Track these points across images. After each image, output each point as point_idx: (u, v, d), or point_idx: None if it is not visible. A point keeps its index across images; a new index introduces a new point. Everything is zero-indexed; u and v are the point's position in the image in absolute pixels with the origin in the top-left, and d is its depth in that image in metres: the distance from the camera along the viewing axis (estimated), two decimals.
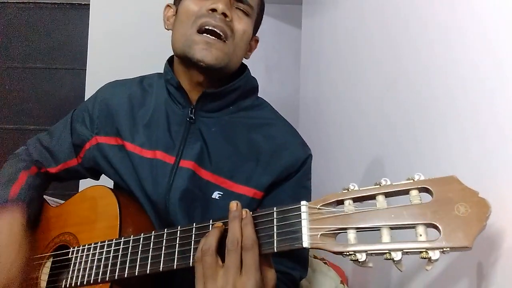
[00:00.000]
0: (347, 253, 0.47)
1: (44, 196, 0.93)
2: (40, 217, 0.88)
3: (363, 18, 1.35)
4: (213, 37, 0.76)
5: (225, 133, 0.82)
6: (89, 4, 2.23)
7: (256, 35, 0.91)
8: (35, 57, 2.37)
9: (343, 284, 1.22)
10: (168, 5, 0.88)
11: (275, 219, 0.54)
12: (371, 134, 1.23)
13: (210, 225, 0.60)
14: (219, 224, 0.58)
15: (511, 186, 0.61)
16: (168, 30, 0.86)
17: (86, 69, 2.22)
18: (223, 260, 0.55)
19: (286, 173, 0.80)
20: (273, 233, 0.54)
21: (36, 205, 0.86)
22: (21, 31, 2.37)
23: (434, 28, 0.87)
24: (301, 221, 0.52)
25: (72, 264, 0.75)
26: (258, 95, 0.92)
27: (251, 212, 0.56)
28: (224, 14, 0.76)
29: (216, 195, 0.78)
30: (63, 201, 0.89)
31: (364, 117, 1.29)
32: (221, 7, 0.76)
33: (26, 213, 0.81)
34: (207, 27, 0.76)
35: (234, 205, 0.57)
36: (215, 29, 0.75)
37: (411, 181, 0.48)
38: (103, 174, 0.92)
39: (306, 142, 0.86)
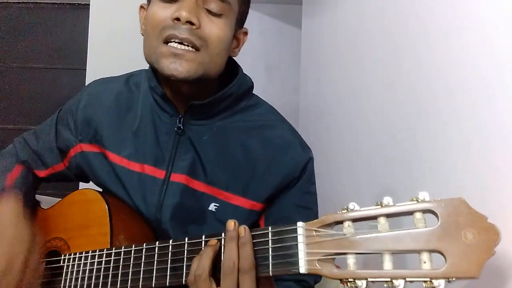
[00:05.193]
0: (347, 280, 0.45)
1: (42, 196, 0.92)
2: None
3: (363, 18, 1.35)
4: (182, 46, 0.67)
5: (219, 140, 0.76)
6: (89, 4, 2.23)
7: (244, 26, 0.80)
8: (35, 57, 2.37)
9: (343, 284, 1.21)
10: (141, 6, 0.78)
11: (270, 240, 0.52)
12: (371, 134, 1.23)
13: (203, 242, 0.57)
14: (213, 242, 0.55)
15: (509, 180, 0.61)
16: (142, 35, 0.75)
17: (86, 69, 2.22)
18: (217, 281, 0.53)
19: (287, 181, 0.75)
20: (268, 256, 0.51)
21: (32, 197, 0.84)
22: (21, 31, 2.36)
23: (434, 28, 0.87)
24: (297, 244, 0.49)
25: (64, 273, 0.73)
26: (255, 93, 0.84)
27: (249, 230, 0.53)
28: (190, 23, 0.66)
29: (212, 207, 0.74)
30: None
31: (364, 117, 1.29)
32: (185, 14, 0.66)
33: (24, 202, 0.75)
34: (172, 40, 0.67)
35: (231, 224, 0.53)
36: (182, 42, 0.67)
37: (415, 202, 0.45)
38: None
39: (306, 143, 0.81)
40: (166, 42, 0.68)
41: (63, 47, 2.38)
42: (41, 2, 2.36)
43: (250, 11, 0.82)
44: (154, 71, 0.76)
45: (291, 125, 0.82)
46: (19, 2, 2.36)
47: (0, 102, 2.34)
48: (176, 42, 0.67)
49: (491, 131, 0.66)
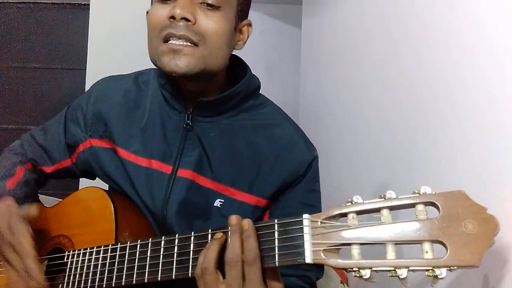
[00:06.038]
0: (351, 269, 0.46)
1: (42, 196, 0.92)
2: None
3: (363, 18, 1.35)
4: (180, 42, 0.68)
5: (225, 137, 0.78)
6: (89, 4, 2.23)
7: (248, 18, 0.80)
8: (35, 57, 2.37)
9: (343, 284, 1.22)
10: (148, 12, 0.78)
11: (276, 232, 0.53)
12: (371, 134, 1.23)
13: (210, 234, 0.58)
14: (219, 235, 0.56)
15: (510, 181, 0.61)
16: None
17: (86, 69, 2.22)
18: (224, 275, 0.54)
19: (292, 179, 0.76)
20: (275, 247, 0.52)
21: (31, 201, 0.84)
22: (21, 31, 2.36)
23: (434, 28, 0.87)
24: (303, 235, 0.50)
25: (67, 269, 0.73)
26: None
27: (253, 223, 0.54)
28: (185, 19, 0.68)
29: (217, 203, 0.75)
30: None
31: (364, 117, 1.29)
32: (179, 12, 0.67)
33: (21, 205, 0.76)
34: (170, 38, 0.69)
35: (233, 219, 0.55)
36: (180, 40, 0.68)
37: (417, 194, 0.46)
38: None
39: (310, 142, 0.82)
40: (166, 41, 0.69)
41: (63, 47, 2.38)
42: (41, 2, 2.36)
43: (250, 11, 0.82)
44: None
45: (297, 124, 0.83)
46: (18, 2, 2.36)
47: (0, 102, 2.34)
48: (174, 40, 0.68)
49: (491, 131, 0.66)
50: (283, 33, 2.74)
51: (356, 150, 1.35)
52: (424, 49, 0.91)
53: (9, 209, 0.73)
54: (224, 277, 0.54)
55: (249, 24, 0.81)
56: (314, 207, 0.79)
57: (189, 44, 0.69)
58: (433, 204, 0.45)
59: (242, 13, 0.77)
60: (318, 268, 0.79)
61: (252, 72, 0.83)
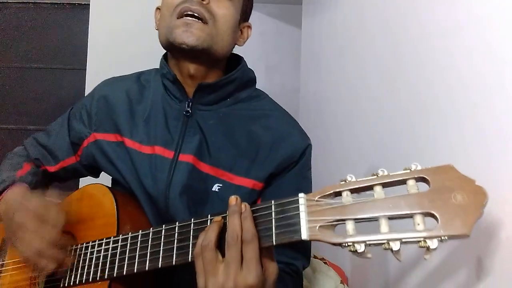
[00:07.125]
0: (346, 244, 0.47)
1: None
2: None
3: (363, 18, 1.35)
4: (192, 18, 0.76)
5: (223, 125, 0.82)
6: (89, 4, 2.23)
7: (249, 21, 0.90)
8: (35, 57, 2.37)
9: (343, 284, 1.22)
10: (157, 8, 0.89)
11: (273, 212, 0.54)
12: (371, 133, 1.23)
13: (209, 220, 0.60)
14: (218, 218, 0.58)
15: (509, 180, 0.61)
16: (157, 30, 0.86)
17: (86, 69, 2.22)
18: (222, 255, 0.55)
19: (286, 164, 0.80)
20: (272, 226, 0.54)
21: (40, 190, 0.86)
22: (21, 31, 2.37)
23: (434, 28, 0.87)
24: (299, 213, 0.51)
25: (70, 264, 0.74)
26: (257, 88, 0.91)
27: (249, 206, 0.56)
28: None
29: (216, 187, 0.78)
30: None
31: (364, 117, 1.29)
32: None
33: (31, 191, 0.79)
34: (185, 12, 0.76)
35: (233, 199, 0.57)
36: (193, 13, 0.76)
37: (408, 171, 0.48)
38: (102, 172, 0.91)
39: (305, 132, 0.86)
40: (180, 17, 0.76)
41: (63, 47, 2.38)
42: (41, 2, 2.37)
43: None
44: (165, 59, 0.85)
45: (292, 116, 0.88)
46: (18, 2, 2.37)
47: (0, 102, 2.35)
48: (188, 16, 0.76)
49: (491, 131, 0.66)
50: (283, 33, 2.73)
51: (356, 151, 1.35)
52: (424, 49, 0.91)
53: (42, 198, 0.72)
54: (223, 257, 0.56)
55: (249, 27, 0.90)
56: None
57: (200, 21, 0.76)
58: (423, 180, 0.47)
59: (245, 14, 0.87)
60: (304, 257, 0.81)
61: (253, 73, 0.90)
